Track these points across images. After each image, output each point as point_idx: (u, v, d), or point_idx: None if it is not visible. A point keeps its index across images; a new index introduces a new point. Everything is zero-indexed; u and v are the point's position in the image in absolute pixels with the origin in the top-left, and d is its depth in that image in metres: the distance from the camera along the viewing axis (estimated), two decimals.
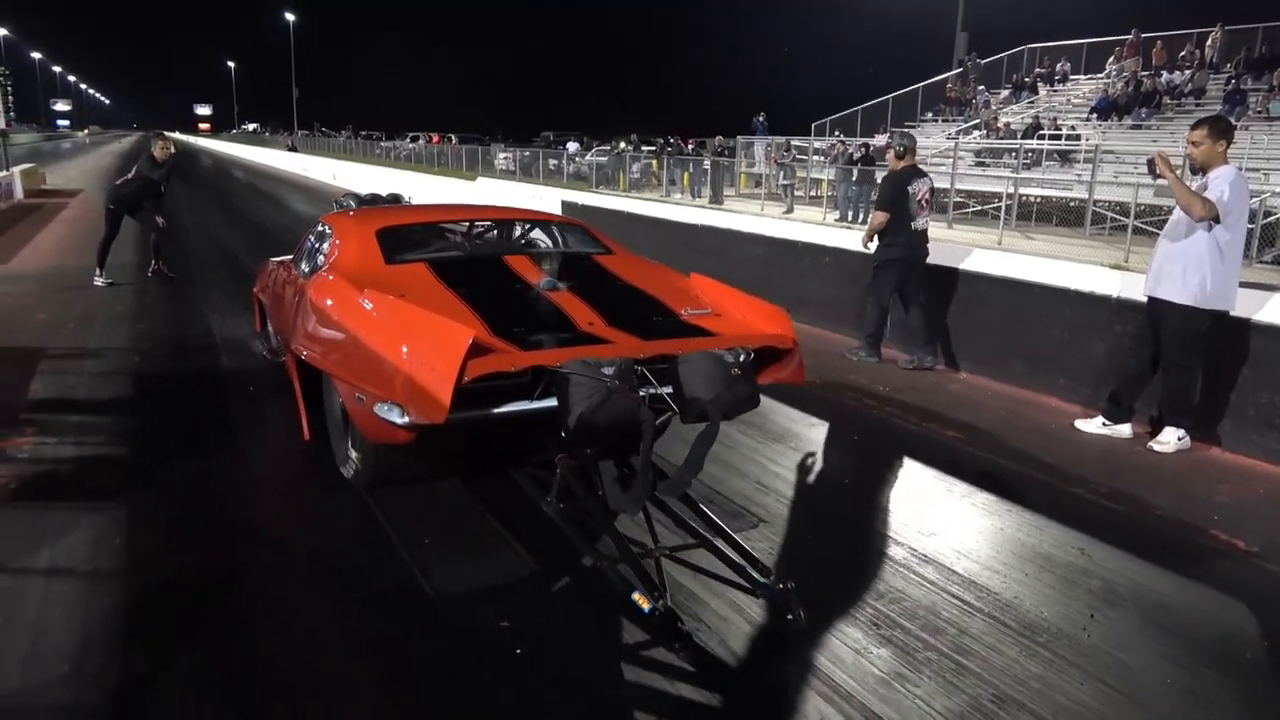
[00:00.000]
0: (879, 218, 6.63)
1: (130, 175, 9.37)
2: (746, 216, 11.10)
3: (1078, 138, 20.31)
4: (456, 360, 2.93)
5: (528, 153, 33.92)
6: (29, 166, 21.39)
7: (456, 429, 3.22)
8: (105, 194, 9.60)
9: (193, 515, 3.80)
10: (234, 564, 3.40)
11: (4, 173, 17.83)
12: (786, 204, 19.77)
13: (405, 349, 3.13)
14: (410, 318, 3.30)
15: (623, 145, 28.01)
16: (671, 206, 12.83)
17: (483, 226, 5.35)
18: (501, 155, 36.18)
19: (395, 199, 7.39)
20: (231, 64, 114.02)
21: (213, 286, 9.19)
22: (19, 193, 18.29)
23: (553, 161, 30.80)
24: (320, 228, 5.05)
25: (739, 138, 25.73)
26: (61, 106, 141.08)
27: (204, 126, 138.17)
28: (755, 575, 3.07)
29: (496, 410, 3.32)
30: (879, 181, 7.58)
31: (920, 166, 6.95)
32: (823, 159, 21.41)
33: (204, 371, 6.13)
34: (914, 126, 24.37)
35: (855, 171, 17.35)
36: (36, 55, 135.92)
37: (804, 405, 5.64)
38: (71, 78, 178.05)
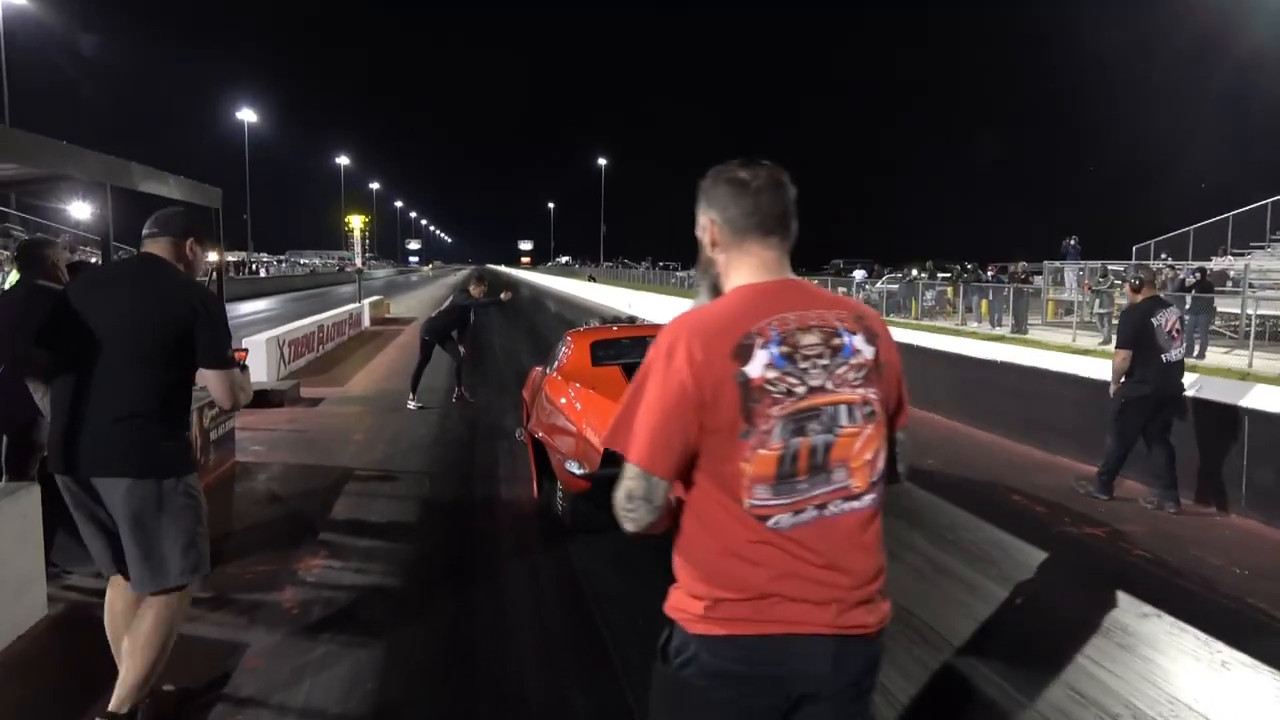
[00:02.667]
0: (1120, 357, 6.17)
1: (444, 308, 10.30)
2: (1054, 353, 10.00)
3: None
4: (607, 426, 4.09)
5: (817, 281, 33.89)
6: (377, 299, 24.71)
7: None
8: (420, 326, 10.62)
9: (443, 656, 3.75)
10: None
11: (356, 305, 20.65)
12: (1103, 334, 17.84)
13: (584, 422, 4.84)
14: (590, 401, 5.06)
15: (914, 272, 27.17)
16: (965, 340, 11.93)
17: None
18: None
19: (630, 320, 8.99)
20: (550, 204, 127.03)
21: (508, 412, 9.72)
22: (366, 321, 21.09)
23: (842, 289, 30.48)
24: (563, 340, 6.77)
25: (1046, 263, 23.97)
26: (413, 245, 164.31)
27: (525, 260, 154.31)
28: None
29: None
30: (1118, 317, 6.76)
31: (1162, 296, 6.45)
32: None
33: (484, 500, 6.33)
34: (1262, 247, 21.33)
35: (1188, 299, 15.32)
36: (398, 203, 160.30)
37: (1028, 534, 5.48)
38: (422, 220, 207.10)
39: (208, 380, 2.91)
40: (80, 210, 61.09)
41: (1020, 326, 20.19)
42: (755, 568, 1.49)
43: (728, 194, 1.62)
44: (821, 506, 1.51)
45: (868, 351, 1.56)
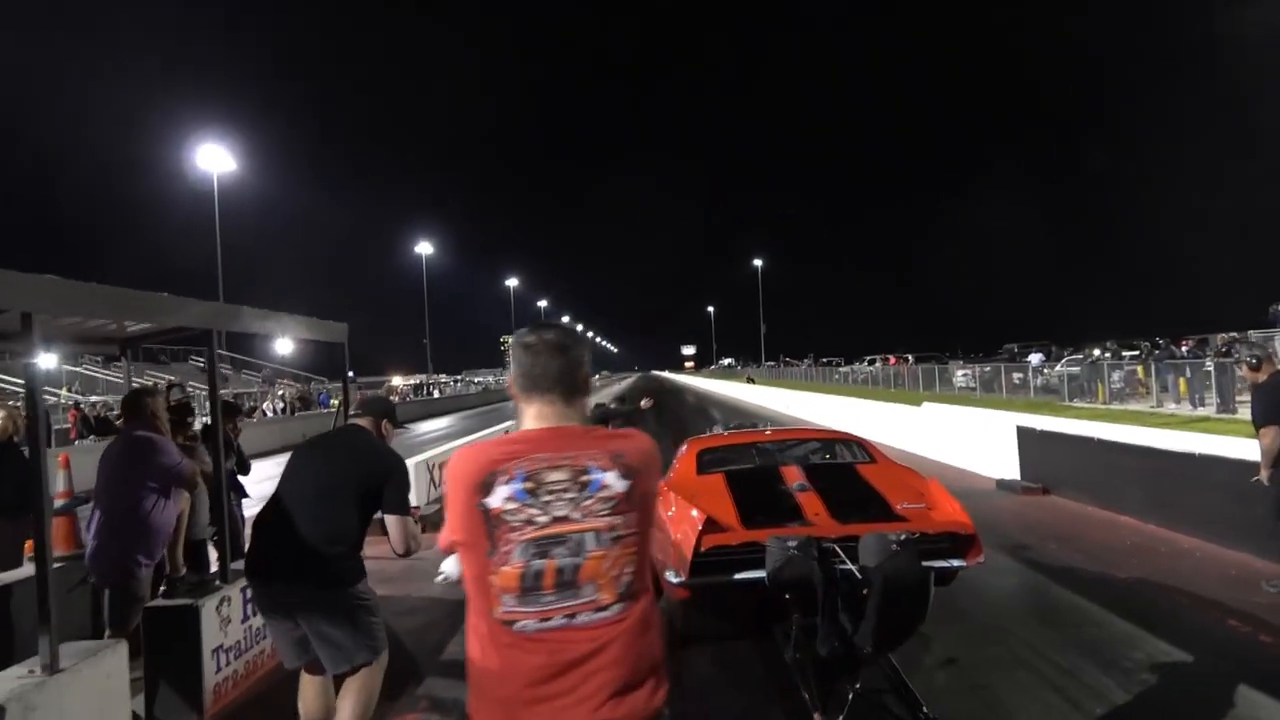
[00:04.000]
0: (1269, 437, 5.59)
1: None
2: None
3: None
4: (693, 536, 4.48)
5: (989, 368, 31.99)
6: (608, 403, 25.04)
7: (722, 590, 4.53)
8: None
9: None
10: None
11: (513, 421, 20.95)
12: None
13: (675, 531, 4.77)
14: (682, 510, 4.93)
15: (1097, 353, 25.04)
16: (1157, 429, 10.51)
17: (779, 444, 6.70)
18: (960, 373, 34.64)
19: (753, 426, 8.58)
20: (710, 308, 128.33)
21: None
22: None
23: (1017, 375, 28.53)
24: (680, 447, 6.79)
25: (1251, 333, 21.52)
26: None
27: (689, 364, 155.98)
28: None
29: (737, 576, 4.45)
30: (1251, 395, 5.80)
31: None
32: None
33: None
34: None
35: None
36: (565, 318, 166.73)
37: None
38: (589, 332, 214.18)
39: (389, 525, 3.59)
40: (284, 347, 66.55)
41: (1227, 405, 17.97)
42: (504, 672, 1.79)
43: (517, 355, 1.93)
44: (571, 615, 1.78)
45: (619, 486, 1.82)
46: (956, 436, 12.81)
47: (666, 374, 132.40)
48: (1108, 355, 23.84)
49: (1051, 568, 6.86)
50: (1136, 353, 23.56)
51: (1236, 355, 19.16)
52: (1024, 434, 10.45)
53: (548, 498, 1.78)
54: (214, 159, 39.55)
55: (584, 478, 1.81)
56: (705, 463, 6.16)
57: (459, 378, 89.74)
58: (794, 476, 5.45)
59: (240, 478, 6.15)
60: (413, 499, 11.58)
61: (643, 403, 11.01)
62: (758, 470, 5.94)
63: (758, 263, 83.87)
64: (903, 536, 4.16)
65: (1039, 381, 27.06)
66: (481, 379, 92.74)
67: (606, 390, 73.26)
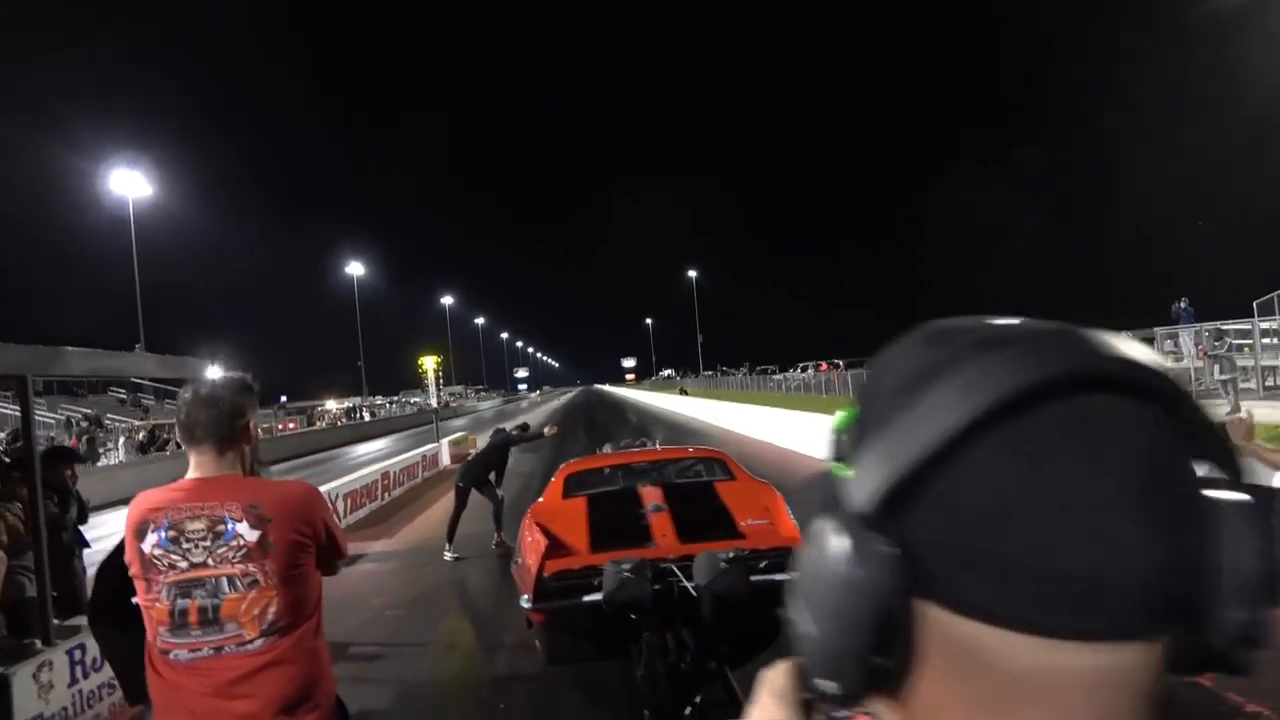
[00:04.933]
0: None
1: (480, 449, 9.85)
2: None
3: None
4: (537, 561, 4.50)
5: None
6: (460, 435, 24.66)
7: (577, 613, 4.39)
8: (457, 472, 10.16)
9: None
10: None
11: (432, 446, 20.58)
12: (1229, 401, 16.03)
13: (526, 556, 4.76)
14: (533, 536, 4.96)
15: None
16: None
17: (646, 465, 6.71)
18: None
19: (642, 444, 8.82)
20: (648, 320, 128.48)
21: None
22: (445, 460, 20.94)
23: None
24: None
25: (1157, 329, 22.16)
26: (520, 374, 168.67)
27: (629, 377, 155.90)
28: None
29: (585, 599, 4.35)
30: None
31: None
32: (1271, 343, 17.39)
33: (494, 679, 5.68)
34: None
35: None
36: (504, 335, 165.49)
37: None
38: (529, 348, 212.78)
39: None
40: (213, 373, 64.90)
41: None
42: (171, 691, 2.03)
43: (178, 408, 2.09)
44: (218, 649, 2.00)
45: (250, 536, 2.00)
46: None
47: (607, 387, 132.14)
48: None
49: None
50: None
51: None
52: None
53: (188, 545, 2.00)
54: (129, 184, 38.43)
55: (219, 528, 2.00)
56: (572, 486, 6.28)
57: (395, 399, 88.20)
58: (651, 497, 5.58)
59: (81, 528, 5.79)
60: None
61: (546, 430, 10.82)
62: (620, 492, 6.10)
63: (693, 274, 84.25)
64: (731, 554, 4.26)
65: None
66: (418, 400, 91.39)
67: (546, 406, 72.90)
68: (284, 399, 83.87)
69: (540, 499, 6.20)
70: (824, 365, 54.83)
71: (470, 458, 10.16)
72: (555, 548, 4.88)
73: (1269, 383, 17.20)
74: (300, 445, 34.64)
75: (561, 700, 5.14)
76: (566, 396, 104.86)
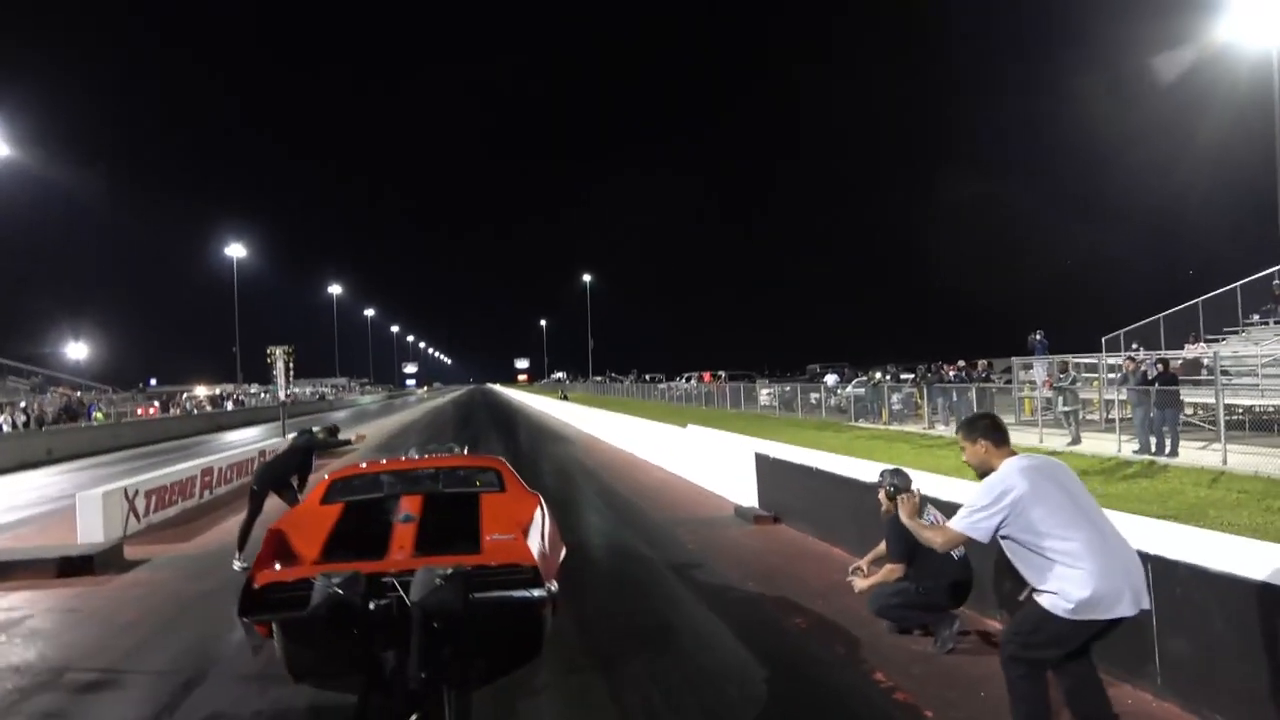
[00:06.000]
0: (895, 574, 5.53)
1: (280, 451, 9.06)
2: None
3: None
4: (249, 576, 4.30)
5: (788, 388, 32.81)
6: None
7: (301, 627, 4.16)
8: (253, 474, 9.32)
9: None
10: None
11: (275, 440, 19.39)
12: (1070, 433, 16.48)
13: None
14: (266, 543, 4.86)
15: (878, 375, 25.99)
16: (871, 461, 10.54)
17: (421, 472, 6.53)
18: (765, 392, 35.48)
19: (449, 450, 8.57)
20: (543, 322, 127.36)
21: None
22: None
23: (814, 395, 29.30)
24: None
25: (1014, 359, 22.83)
26: (409, 369, 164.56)
27: (522, 378, 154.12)
28: None
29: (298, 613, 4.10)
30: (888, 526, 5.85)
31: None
32: (1115, 378, 18.00)
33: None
34: (1236, 333, 20.16)
35: (1152, 393, 14.04)
36: (394, 328, 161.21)
37: None
38: (421, 344, 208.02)
39: None
40: (77, 352, 60.34)
41: None
42: None
43: None
44: None
45: None
46: (712, 460, 12.56)
47: (498, 387, 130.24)
48: (888, 378, 24.71)
49: (732, 600, 6.58)
50: (913, 376, 24.52)
51: (996, 382, 20.17)
52: (761, 461, 10.23)
53: None
54: None
55: None
56: (335, 491, 6.08)
57: (269, 388, 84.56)
58: (409, 507, 5.45)
59: None
60: (95, 535, 10.31)
61: (353, 436, 10.17)
62: (379, 501, 5.90)
63: (587, 278, 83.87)
64: (450, 570, 4.14)
65: (832, 402, 27.85)
66: (297, 390, 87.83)
67: (427, 404, 70.88)
68: (153, 381, 79.44)
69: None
70: (707, 376, 55.13)
71: (269, 460, 9.32)
72: (279, 557, 4.70)
73: (1110, 415, 17.77)
74: (146, 433, 32.45)
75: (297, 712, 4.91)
76: (454, 394, 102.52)
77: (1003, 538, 3.54)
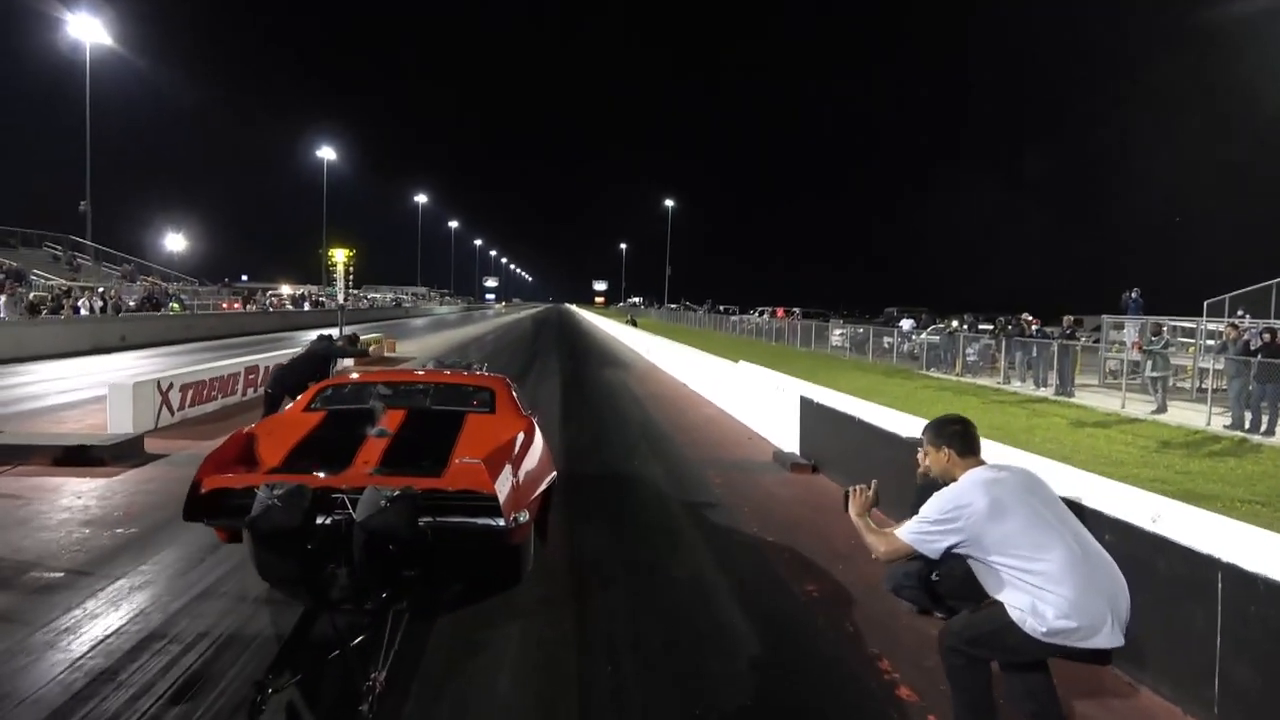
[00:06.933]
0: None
1: (297, 354, 8.75)
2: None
3: None
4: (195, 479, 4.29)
5: (861, 330, 31.66)
6: (374, 336, 23.47)
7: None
8: (269, 377, 9.05)
9: None
10: None
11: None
12: (1156, 400, 15.26)
13: None
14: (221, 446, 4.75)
15: (954, 324, 24.66)
16: (903, 418, 9.66)
17: (415, 387, 6.58)
18: (837, 332, 34.32)
19: (466, 367, 8.75)
20: (623, 246, 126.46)
21: None
22: (346, 360, 19.73)
23: (887, 339, 28.15)
24: None
25: (1105, 317, 21.34)
26: (489, 283, 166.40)
27: (599, 300, 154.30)
28: None
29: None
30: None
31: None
32: (1213, 345, 16.58)
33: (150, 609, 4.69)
34: None
35: (1254, 364, 12.77)
36: (478, 242, 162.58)
37: None
38: (503, 259, 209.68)
39: None
40: (175, 244, 62.21)
41: (1065, 388, 17.65)
42: None
43: None
44: None
45: None
46: (758, 400, 11.89)
47: (573, 307, 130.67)
48: (965, 327, 23.42)
49: (742, 553, 6.00)
50: (992, 328, 23.17)
51: (1081, 340, 18.85)
52: (805, 405, 9.52)
53: None
54: (86, 28, 35.92)
55: None
56: (323, 399, 6.10)
57: (355, 292, 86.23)
58: (387, 421, 5.29)
59: None
60: (125, 425, 10.43)
61: (372, 349, 9.92)
62: (359, 412, 5.64)
63: (669, 203, 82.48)
64: (396, 492, 4.02)
65: (905, 348, 26.70)
66: (376, 296, 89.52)
67: (500, 319, 71.29)
68: (244, 277, 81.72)
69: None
70: (780, 311, 53.87)
71: (285, 363, 9.02)
72: (232, 462, 4.58)
73: (1203, 385, 16.42)
74: (219, 326, 33.28)
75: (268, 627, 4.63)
76: (530, 311, 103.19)
77: (966, 557, 3.04)
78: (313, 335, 11.27)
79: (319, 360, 8.73)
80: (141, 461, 8.75)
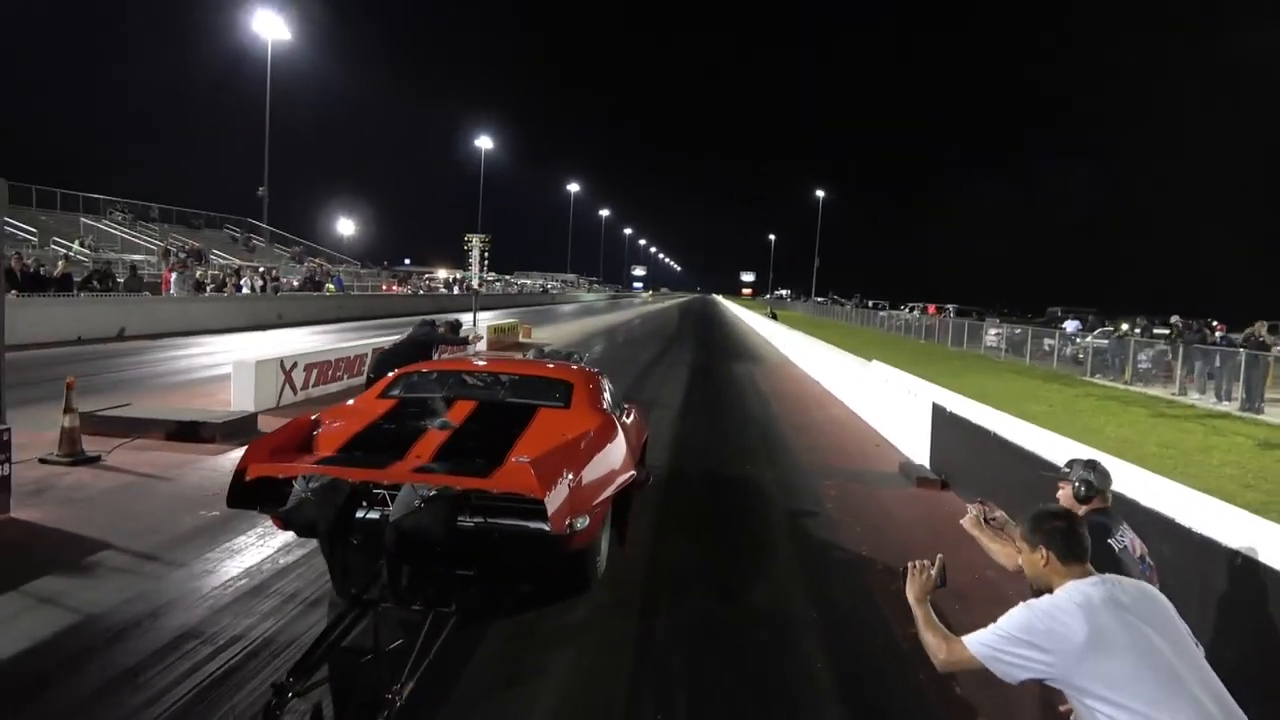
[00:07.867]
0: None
1: (400, 340, 8.58)
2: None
3: None
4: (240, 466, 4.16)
5: (1019, 329, 29.45)
6: (509, 322, 23.60)
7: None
8: (370, 362, 8.94)
9: None
10: None
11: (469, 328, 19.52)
12: None
13: None
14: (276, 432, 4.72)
15: (1125, 327, 22.41)
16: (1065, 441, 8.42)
17: (494, 378, 6.28)
18: (992, 332, 32.14)
19: (568, 356, 8.48)
20: (771, 237, 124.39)
21: None
22: (480, 344, 19.89)
23: (1048, 341, 26.00)
24: None
25: None
26: (637, 271, 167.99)
27: (746, 291, 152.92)
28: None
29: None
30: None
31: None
32: None
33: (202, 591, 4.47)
34: None
35: None
36: (627, 231, 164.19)
37: None
38: (652, 248, 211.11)
39: None
40: (346, 227, 65.68)
41: (1253, 404, 15.61)
42: None
43: None
44: None
45: None
46: (889, 404, 10.93)
47: (719, 298, 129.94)
48: (1137, 331, 21.23)
49: (841, 581, 5.29)
50: (1168, 332, 20.89)
51: (1264, 340, 16.61)
52: (938, 414, 8.57)
53: None
54: (269, 26, 38.34)
55: None
56: (398, 386, 5.94)
57: (505, 278, 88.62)
58: (455, 413, 5.12)
59: None
60: (247, 403, 10.64)
61: (471, 338, 9.85)
62: (430, 402, 5.45)
63: (820, 193, 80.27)
64: (433, 491, 3.90)
65: (1068, 351, 24.59)
66: (523, 281, 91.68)
67: (644, 307, 71.33)
68: (406, 261, 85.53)
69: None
70: (931, 308, 51.27)
71: (387, 349, 8.86)
72: (283, 449, 4.45)
73: None
74: (371, 307, 34.66)
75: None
76: (675, 300, 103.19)
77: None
78: (462, 317, 11.29)
79: (421, 346, 8.51)
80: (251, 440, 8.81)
